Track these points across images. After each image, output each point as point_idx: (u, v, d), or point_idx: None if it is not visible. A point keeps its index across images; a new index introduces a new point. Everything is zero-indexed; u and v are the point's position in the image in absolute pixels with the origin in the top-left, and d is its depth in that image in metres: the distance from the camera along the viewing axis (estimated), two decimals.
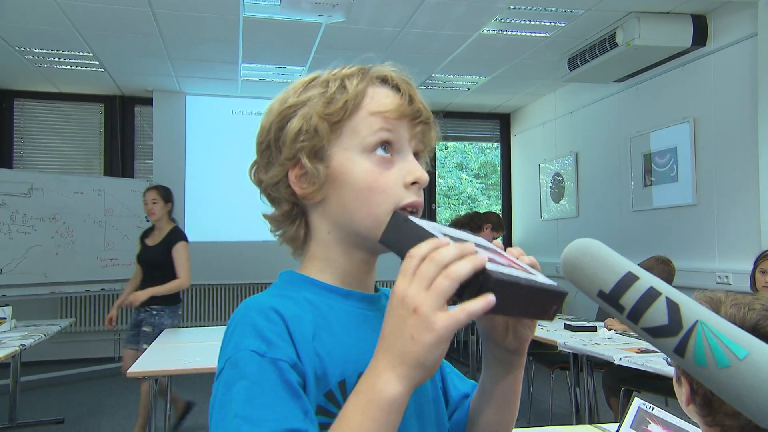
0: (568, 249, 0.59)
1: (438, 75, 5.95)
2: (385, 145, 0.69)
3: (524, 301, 0.57)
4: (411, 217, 0.60)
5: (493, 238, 4.42)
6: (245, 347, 0.60)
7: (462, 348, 6.10)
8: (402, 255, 0.56)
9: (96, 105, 6.48)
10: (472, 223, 5.20)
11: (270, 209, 0.76)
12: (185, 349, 3.14)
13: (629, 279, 0.56)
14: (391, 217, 0.61)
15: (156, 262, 3.82)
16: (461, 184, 9.72)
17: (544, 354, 4.23)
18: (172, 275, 3.78)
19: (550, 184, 6.67)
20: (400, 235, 0.59)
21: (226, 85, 6.19)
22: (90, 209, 5.61)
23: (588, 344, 3.17)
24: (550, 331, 3.70)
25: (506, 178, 7.72)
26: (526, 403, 4.44)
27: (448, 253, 0.53)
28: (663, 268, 3.50)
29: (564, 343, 3.26)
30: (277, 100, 0.74)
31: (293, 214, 0.73)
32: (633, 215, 5.27)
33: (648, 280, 0.56)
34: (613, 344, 3.15)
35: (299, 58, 5.38)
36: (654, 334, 0.55)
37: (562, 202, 6.43)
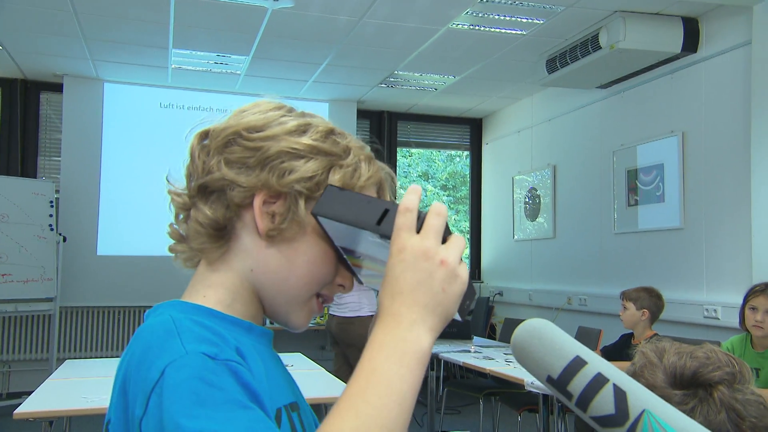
0: (517, 330, 0.65)
1: (401, 72, 5.99)
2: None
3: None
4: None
5: None
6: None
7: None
8: (349, 221, 0.67)
9: None
10: None
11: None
12: (89, 385, 3.04)
13: (577, 364, 0.61)
14: (325, 190, 0.71)
15: None
16: (426, 196, 9.80)
17: (511, 394, 4.26)
18: None
19: (524, 200, 6.77)
20: (342, 203, 0.69)
21: (154, 73, 6.07)
22: None
23: None
24: (517, 368, 3.72)
25: (476, 191, 7.80)
26: None
27: (444, 206, 0.65)
28: (654, 302, 3.58)
29: (532, 382, 3.29)
30: (292, 124, 0.77)
31: (226, 229, 0.76)
32: (615, 238, 5.38)
33: (596, 365, 0.61)
34: None
35: (241, 47, 5.33)
36: (602, 423, 0.60)
37: (538, 219, 6.52)
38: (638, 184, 5.12)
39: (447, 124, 7.73)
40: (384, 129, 7.45)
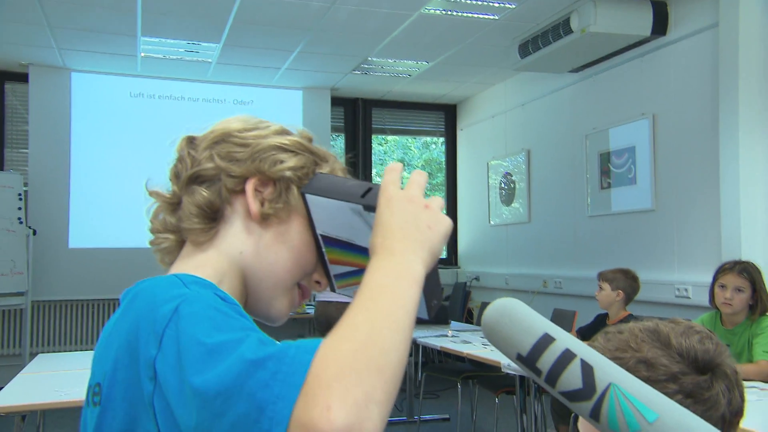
0: (487, 310, 0.67)
1: (375, 59, 6.02)
2: None
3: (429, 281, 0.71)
4: None
5: None
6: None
7: None
8: (336, 196, 0.76)
9: None
10: None
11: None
12: (62, 378, 3.02)
13: (545, 341, 0.63)
14: (314, 175, 0.82)
15: None
16: (403, 183, 9.82)
17: (488, 377, 4.33)
18: None
19: (500, 185, 6.85)
20: (329, 183, 0.79)
21: (123, 61, 6.02)
22: None
23: None
24: (494, 351, 3.80)
25: (452, 177, 7.87)
26: None
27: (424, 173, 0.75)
28: (629, 283, 3.69)
29: (508, 365, 3.36)
30: (277, 127, 0.87)
31: (218, 213, 0.81)
32: (589, 221, 5.49)
33: (564, 341, 0.63)
34: None
35: (211, 34, 5.31)
36: (570, 398, 0.61)
37: (514, 204, 6.62)
38: (611, 167, 5.22)
39: (422, 111, 7.76)
40: (359, 116, 7.46)
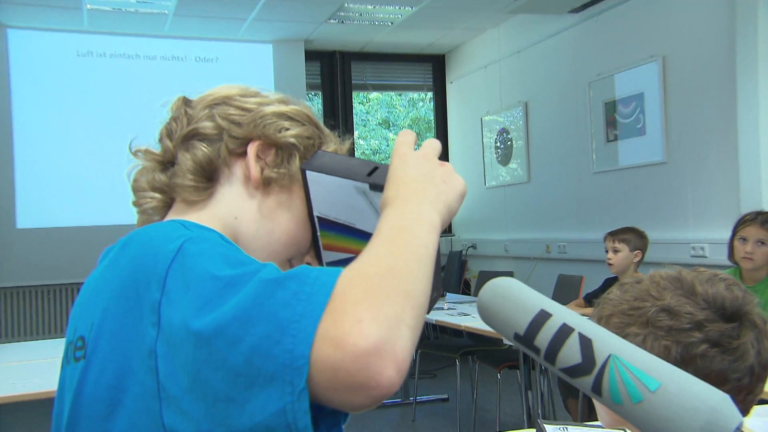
0: (481, 292, 0.71)
1: (352, 5, 5.93)
2: None
3: None
4: None
5: None
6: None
7: None
8: (339, 173, 0.79)
9: None
10: None
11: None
12: (17, 370, 3.03)
13: (542, 317, 0.66)
14: (316, 153, 0.85)
15: None
16: (388, 146, 9.77)
17: (489, 352, 4.37)
18: None
19: (495, 143, 6.84)
20: (332, 161, 0.81)
21: (67, 15, 5.88)
22: None
23: None
24: None
25: (442, 136, 7.83)
26: (469, 412, 4.58)
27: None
28: (644, 242, 3.72)
29: None
30: (279, 96, 0.91)
31: (216, 173, 0.84)
32: (594, 178, 5.50)
33: (561, 316, 0.66)
34: None
35: None
36: (570, 374, 0.64)
37: (511, 164, 6.61)
38: (617, 117, 5.22)
39: (406, 63, 7.70)
40: (336, 71, 7.38)
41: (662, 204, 4.84)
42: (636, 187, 5.08)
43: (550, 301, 0.68)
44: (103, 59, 6.25)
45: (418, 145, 0.78)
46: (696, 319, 0.90)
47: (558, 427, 1.55)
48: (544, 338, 0.65)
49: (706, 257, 4.44)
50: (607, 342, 0.64)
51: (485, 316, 0.70)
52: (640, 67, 4.98)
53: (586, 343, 0.64)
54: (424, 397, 5.16)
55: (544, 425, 1.59)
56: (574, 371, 0.64)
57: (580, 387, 0.64)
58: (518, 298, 0.68)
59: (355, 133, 7.88)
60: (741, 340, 0.89)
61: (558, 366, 0.65)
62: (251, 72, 6.61)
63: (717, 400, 0.57)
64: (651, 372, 0.61)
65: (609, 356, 0.62)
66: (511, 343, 3.44)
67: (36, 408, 4.22)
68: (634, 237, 3.71)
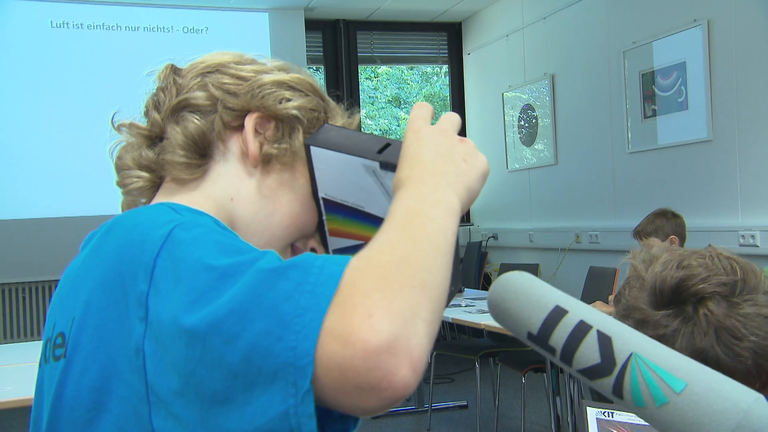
0: (491, 288, 0.72)
1: None
2: None
3: None
4: None
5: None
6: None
7: None
8: (347, 150, 0.77)
9: None
10: None
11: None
12: None
13: (557, 314, 0.66)
14: (321, 127, 0.84)
15: None
16: (399, 126, 9.76)
17: (512, 353, 4.38)
18: None
19: (518, 121, 6.80)
20: (340, 136, 0.81)
21: None
22: None
23: None
24: None
25: (459, 115, 7.77)
26: (490, 420, 4.60)
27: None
28: (676, 222, 3.63)
29: None
30: (278, 63, 0.89)
31: (209, 148, 0.84)
32: (630, 158, 5.45)
33: (577, 312, 0.66)
34: None
35: None
36: (589, 375, 0.65)
37: (537, 145, 6.57)
38: (655, 89, 5.15)
39: (419, 33, 7.69)
40: (340, 43, 7.36)
41: (707, 187, 4.77)
42: (677, 169, 5.01)
43: (566, 297, 0.68)
44: (80, 31, 6.23)
45: (435, 120, 0.76)
46: (630, 305, 0.96)
47: (602, 410, 1.57)
48: (559, 337, 0.66)
49: (757, 246, 4.39)
50: (628, 340, 0.64)
51: (496, 315, 0.71)
52: (681, 33, 4.89)
53: (605, 341, 0.64)
54: (441, 404, 5.18)
55: (587, 406, 1.64)
56: (593, 372, 0.64)
57: (599, 389, 0.64)
58: (531, 293, 0.69)
59: (362, 112, 7.83)
60: (668, 330, 0.92)
61: (575, 367, 0.65)
62: (245, 44, 6.37)
63: (749, 401, 0.57)
64: (676, 371, 0.61)
65: (630, 355, 0.63)
66: None
67: (10, 418, 4.19)
68: (663, 222, 3.63)
